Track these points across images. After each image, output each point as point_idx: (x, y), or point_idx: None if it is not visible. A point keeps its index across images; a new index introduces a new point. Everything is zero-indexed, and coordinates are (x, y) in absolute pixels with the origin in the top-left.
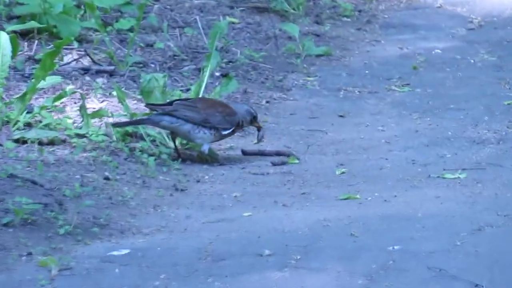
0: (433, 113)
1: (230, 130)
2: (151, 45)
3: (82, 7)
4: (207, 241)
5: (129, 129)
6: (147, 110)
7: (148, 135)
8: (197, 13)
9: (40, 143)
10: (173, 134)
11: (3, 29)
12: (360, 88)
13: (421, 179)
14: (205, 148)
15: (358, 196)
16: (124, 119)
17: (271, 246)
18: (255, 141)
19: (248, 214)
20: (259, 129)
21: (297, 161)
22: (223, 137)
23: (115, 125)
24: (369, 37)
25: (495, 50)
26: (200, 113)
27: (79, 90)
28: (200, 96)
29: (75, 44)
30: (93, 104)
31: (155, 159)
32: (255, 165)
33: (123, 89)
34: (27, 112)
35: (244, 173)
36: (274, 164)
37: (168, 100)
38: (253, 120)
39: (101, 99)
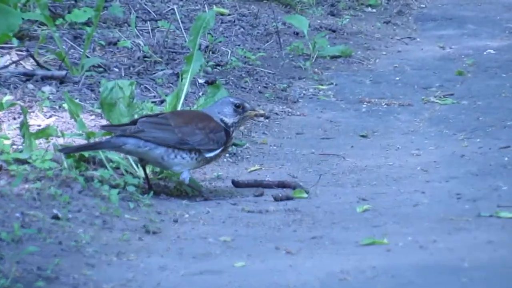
0: (485, 133)
1: (218, 151)
2: (115, 44)
3: None
4: None
5: (85, 153)
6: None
7: (110, 161)
8: (175, 2)
9: None
10: (143, 161)
11: None
12: (389, 100)
13: (469, 219)
14: (185, 177)
15: (385, 240)
16: (78, 141)
17: None
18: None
19: (241, 264)
20: (261, 115)
21: (305, 195)
22: (209, 161)
23: (64, 150)
24: (400, 33)
25: None
26: (174, 133)
27: (19, 102)
28: (178, 109)
29: (14, 42)
30: (38, 121)
31: (119, 192)
32: (251, 201)
33: (77, 100)
34: None
35: (236, 210)
36: (275, 199)
37: (134, 117)
38: (240, 110)
39: (49, 114)
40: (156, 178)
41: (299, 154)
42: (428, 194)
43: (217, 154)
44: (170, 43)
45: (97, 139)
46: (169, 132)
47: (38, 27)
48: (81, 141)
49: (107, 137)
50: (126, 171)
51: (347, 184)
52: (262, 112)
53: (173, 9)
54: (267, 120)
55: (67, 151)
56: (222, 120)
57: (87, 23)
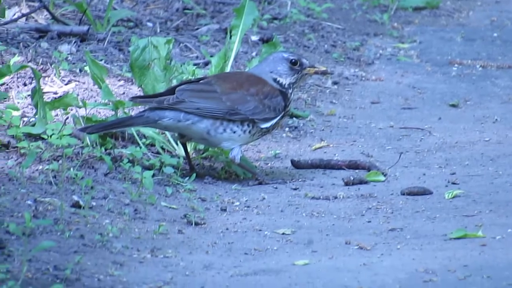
0: None
1: (276, 120)
2: None
3: None
4: None
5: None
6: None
7: (143, 137)
8: None
9: None
10: (183, 137)
11: None
12: (485, 61)
13: None
14: (235, 155)
15: (480, 233)
16: (104, 112)
17: None
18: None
19: (303, 262)
20: (325, 72)
21: (382, 177)
22: (265, 133)
23: (86, 130)
24: None
25: None
26: (221, 101)
27: (30, 64)
28: (225, 72)
29: None
30: (54, 87)
31: (154, 175)
32: (316, 184)
33: (101, 62)
34: None
35: (297, 197)
36: (346, 183)
37: (172, 83)
38: (297, 67)
39: (67, 79)
40: (200, 157)
41: (375, 128)
42: None
43: (275, 123)
44: None
45: (127, 111)
46: (216, 101)
47: None
48: (107, 112)
49: (141, 109)
50: (163, 149)
51: (434, 165)
52: (323, 69)
53: None
54: (335, 86)
55: (91, 130)
56: (276, 81)
57: None
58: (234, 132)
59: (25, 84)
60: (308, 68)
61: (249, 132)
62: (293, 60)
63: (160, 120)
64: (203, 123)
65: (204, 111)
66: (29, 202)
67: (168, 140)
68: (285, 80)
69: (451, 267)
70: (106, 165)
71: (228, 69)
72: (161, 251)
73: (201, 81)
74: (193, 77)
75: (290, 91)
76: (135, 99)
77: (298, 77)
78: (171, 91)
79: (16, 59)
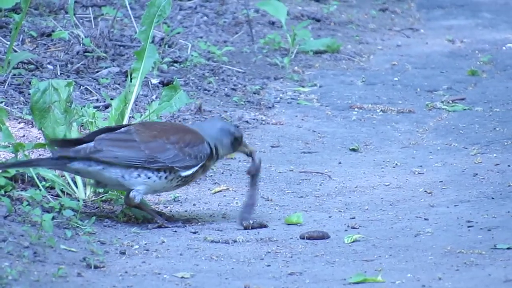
0: (503, 146)
1: (196, 168)
2: (49, 35)
3: None
4: None
5: (13, 169)
6: (40, 138)
7: (43, 179)
8: None
9: None
10: (99, 183)
11: None
12: (385, 106)
13: (482, 252)
14: (136, 195)
15: (379, 278)
16: (4, 154)
17: None
18: (249, 176)
19: None
20: (250, 155)
21: (300, 220)
22: (187, 181)
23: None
24: (400, 23)
25: None
26: (140, 149)
27: None
28: (126, 118)
29: None
30: None
31: (54, 218)
32: (215, 228)
33: (2, 104)
34: None
35: (196, 240)
36: (245, 227)
37: (72, 125)
38: (236, 143)
39: None
40: (99, 200)
41: (275, 172)
42: (432, 222)
43: (195, 172)
44: (116, 34)
45: (27, 154)
46: (134, 150)
47: None
48: (7, 154)
49: (42, 152)
50: (63, 192)
51: (333, 209)
52: (251, 149)
53: None
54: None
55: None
56: (215, 148)
57: (15, 9)
58: (149, 178)
59: None
60: (243, 147)
61: (165, 178)
62: (237, 137)
63: (70, 163)
64: (116, 168)
65: (122, 159)
66: None
67: (68, 183)
68: (222, 152)
69: None
70: (6, 207)
71: (128, 112)
72: None
73: (121, 129)
74: (113, 124)
75: (218, 158)
76: (53, 143)
77: (229, 147)
78: (90, 136)
79: None
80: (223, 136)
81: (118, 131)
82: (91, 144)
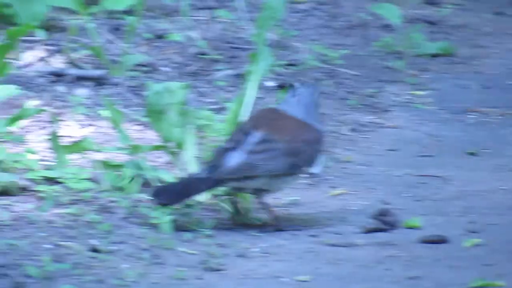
0: None
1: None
2: (163, 37)
3: None
4: None
5: (128, 170)
6: (156, 140)
7: (161, 181)
8: None
9: None
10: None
11: None
12: (503, 109)
13: None
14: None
15: (500, 282)
16: (121, 156)
17: None
18: None
19: None
20: None
21: (418, 223)
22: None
23: (159, 201)
24: None
25: None
26: (286, 157)
27: (47, 108)
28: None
29: (40, 34)
30: (70, 131)
31: (173, 220)
32: (334, 232)
33: (118, 106)
34: None
35: (315, 243)
36: (365, 231)
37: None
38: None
39: (83, 123)
40: (218, 203)
41: (392, 175)
42: None
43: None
44: (231, 37)
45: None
46: (280, 159)
47: (69, 15)
48: (124, 156)
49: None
50: None
51: (452, 213)
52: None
53: None
54: (352, 133)
55: (165, 201)
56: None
57: (129, 12)
58: (287, 182)
59: (42, 128)
60: None
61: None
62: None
63: (225, 183)
64: (262, 179)
65: (273, 171)
66: (48, 245)
67: None
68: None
69: None
70: (125, 209)
71: (244, 114)
72: None
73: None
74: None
75: None
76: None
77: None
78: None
79: (33, 102)
80: (317, 108)
81: (257, 139)
82: (240, 159)
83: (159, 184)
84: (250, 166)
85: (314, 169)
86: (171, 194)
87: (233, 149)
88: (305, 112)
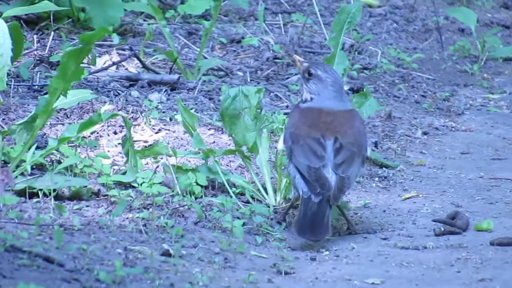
0: None
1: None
2: (238, 41)
3: None
4: None
5: (202, 175)
6: (230, 144)
7: (233, 185)
8: None
9: (59, 197)
10: None
11: None
12: None
13: None
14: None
15: None
16: (195, 161)
17: None
18: None
19: None
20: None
21: (490, 226)
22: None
23: (311, 239)
24: None
25: None
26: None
27: (121, 113)
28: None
29: (115, 39)
30: (144, 136)
31: (244, 224)
32: (405, 234)
33: (192, 111)
34: (38, 148)
35: (386, 246)
36: (436, 234)
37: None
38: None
39: (157, 127)
40: (294, 206)
41: (465, 178)
42: None
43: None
44: (306, 41)
45: (217, 160)
46: (359, 163)
47: (144, 20)
48: (197, 161)
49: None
50: (253, 198)
51: None
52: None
53: None
54: (425, 137)
55: (315, 238)
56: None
57: (205, 16)
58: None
59: (115, 133)
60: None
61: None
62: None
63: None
64: None
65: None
66: (119, 250)
67: (258, 189)
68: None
69: None
70: (196, 213)
71: None
72: None
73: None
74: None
75: None
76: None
77: None
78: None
79: (106, 107)
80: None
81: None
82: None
83: (294, 220)
84: (343, 180)
85: (368, 152)
86: (312, 228)
87: (323, 166)
88: (340, 99)
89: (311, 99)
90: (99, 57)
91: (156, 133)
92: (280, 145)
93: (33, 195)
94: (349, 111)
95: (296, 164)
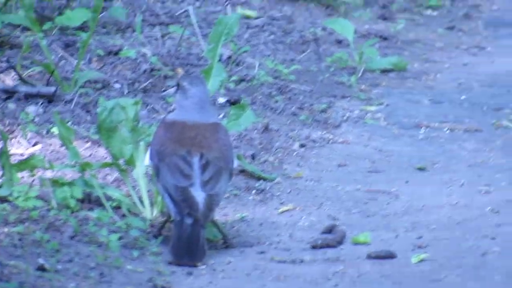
0: None
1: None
2: (116, 53)
3: None
4: None
5: (78, 188)
6: (107, 157)
7: (110, 199)
8: (190, 2)
9: None
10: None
11: None
12: (452, 124)
13: None
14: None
15: None
16: (70, 174)
17: None
18: None
19: None
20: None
21: (367, 239)
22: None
23: (187, 262)
24: (467, 42)
25: None
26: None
27: None
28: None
29: None
30: (20, 149)
31: (120, 238)
32: (282, 248)
33: (69, 124)
34: None
35: (263, 260)
36: (313, 247)
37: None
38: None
39: (34, 140)
40: (170, 220)
41: (342, 191)
42: (500, 241)
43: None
44: (183, 52)
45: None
46: (227, 178)
47: (22, 32)
48: (74, 174)
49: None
50: (129, 211)
51: (400, 228)
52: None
53: (187, 10)
54: (302, 149)
55: (193, 261)
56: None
57: (82, 28)
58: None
59: None
60: None
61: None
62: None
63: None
64: None
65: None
66: None
67: (134, 203)
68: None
69: None
70: (72, 228)
71: None
72: None
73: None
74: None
75: None
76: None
77: None
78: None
79: None
80: (209, 100)
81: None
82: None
83: (170, 245)
84: (211, 198)
85: (235, 164)
86: (189, 251)
87: (191, 185)
88: (203, 111)
89: (174, 110)
90: None
91: (33, 146)
92: (147, 161)
93: None
94: (212, 124)
95: (164, 183)
